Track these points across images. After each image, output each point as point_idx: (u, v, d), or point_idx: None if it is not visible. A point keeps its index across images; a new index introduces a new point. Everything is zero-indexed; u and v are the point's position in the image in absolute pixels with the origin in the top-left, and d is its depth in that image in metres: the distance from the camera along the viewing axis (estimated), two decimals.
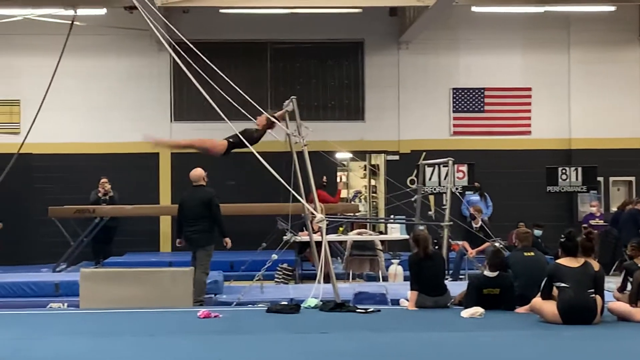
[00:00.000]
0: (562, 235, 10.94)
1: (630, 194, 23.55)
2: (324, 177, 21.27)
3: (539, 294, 10.95)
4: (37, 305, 14.00)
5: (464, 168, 19.10)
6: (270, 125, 13.40)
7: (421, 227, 16.19)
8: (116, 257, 20.50)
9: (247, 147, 12.83)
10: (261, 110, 13.29)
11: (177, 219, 15.13)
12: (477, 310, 11.38)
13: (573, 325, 10.42)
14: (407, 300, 12.52)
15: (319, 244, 13.24)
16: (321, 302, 12.47)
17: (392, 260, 17.75)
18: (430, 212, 20.29)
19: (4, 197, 19.35)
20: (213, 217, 14.44)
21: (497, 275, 12.06)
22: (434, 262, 12.53)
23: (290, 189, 12.79)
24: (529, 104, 23.78)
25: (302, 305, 12.41)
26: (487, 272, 12.16)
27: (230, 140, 13.21)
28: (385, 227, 19.88)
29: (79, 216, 19.87)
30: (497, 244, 15.98)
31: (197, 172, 14.74)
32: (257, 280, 14.49)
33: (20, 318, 12.00)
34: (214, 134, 21.39)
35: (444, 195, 18.14)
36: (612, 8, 22.17)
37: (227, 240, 14.57)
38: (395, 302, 13.13)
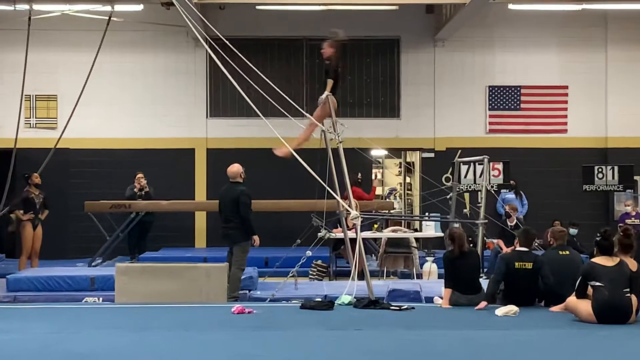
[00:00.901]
0: (598, 234, 10.88)
1: None
2: (359, 174, 21.29)
3: (574, 292, 10.90)
4: (73, 300, 14.11)
5: (500, 166, 19.06)
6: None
7: (456, 225, 16.15)
8: (151, 252, 20.58)
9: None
10: (297, 106, 13.29)
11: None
12: (512, 308, 11.36)
13: (608, 324, 10.38)
14: (442, 297, 12.51)
15: (353, 240, 13.26)
16: (355, 299, 12.49)
17: (427, 258, 17.75)
18: (465, 210, 20.25)
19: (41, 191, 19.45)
20: (240, 215, 14.38)
21: (529, 251, 12.18)
22: (469, 260, 12.52)
23: (325, 186, 12.80)
24: (566, 102, 23.64)
25: (336, 302, 12.43)
26: (518, 248, 12.25)
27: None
28: (420, 225, 19.87)
29: (114, 211, 19.97)
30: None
31: (234, 169, 14.71)
32: (291, 276, 14.52)
33: (56, 312, 12.11)
34: (250, 130, 21.77)
35: (479, 193, 18.07)
36: None
37: (255, 238, 14.44)
38: (429, 299, 13.13)
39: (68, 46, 22.62)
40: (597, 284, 10.52)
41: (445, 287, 12.36)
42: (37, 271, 16.21)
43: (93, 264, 19.29)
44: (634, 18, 23.04)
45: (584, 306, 10.64)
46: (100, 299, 14.36)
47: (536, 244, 16.43)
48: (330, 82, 13.42)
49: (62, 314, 11.87)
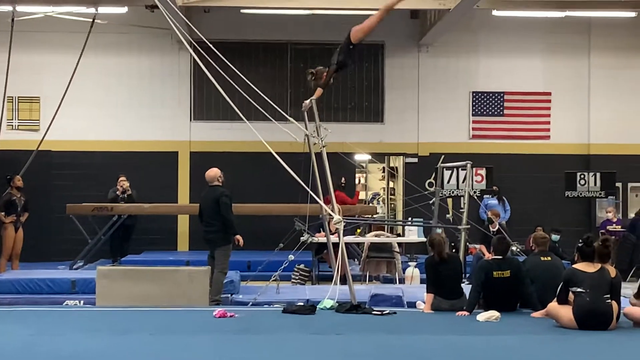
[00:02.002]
0: (580, 241, 10.91)
1: None
2: (343, 179, 21.31)
3: (555, 298, 10.92)
4: (53, 303, 14.03)
5: (483, 172, 19.08)
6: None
7: (438, 231, 16.17)
8: (134, 255, 20.54)
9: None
10: (280, 110, 13.28)
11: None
12: (493, 314, 11.37)
13: (589, 330, 10.40)
14: (424, 302, 12.52)
15: (336, 245, 13.25)
16: (337, 304, 12.48)
17: (409, 263, 17.76)
18: (448, 215, 20.24)
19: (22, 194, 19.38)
20: (222, 216, 14.35)
21: (505, 258, 12.19)
22: (451, 265, 12.53)
23: (309, 190, 12.80)
24: (549, 108, 23.71)
25: (318, 306, 12.42)
26: (494, 256, 12.26)
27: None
28: (403, 230, 19.87)
29: (97, 214, 19.94)
30: (514, 248, 15.96)
31: (212, 173, 14.65)
32: (273, 280, 14.50)
33: (36, 315, 12.04)
34: (234, 133, 21.74)
35: (462, 198, 18.10)
36: (633, 14, 22.08)
37: (239, 237, 14.41)
38: (412, 304, 13.14)
39: (51, 48, 22.55)
40: (578, 289, 10.54)
41: (427, 292, 12.37)
42: (18, 274, 16.13)
43: (75, 266, 19.23)
44: (617, 25, 23.13)
45: (565, 312, 10.66)
46: (82, 302, 14.30)
47: (518, 250, 16.50)
48: (319, 91, 13.47)
49: (42, 317, 11.81)
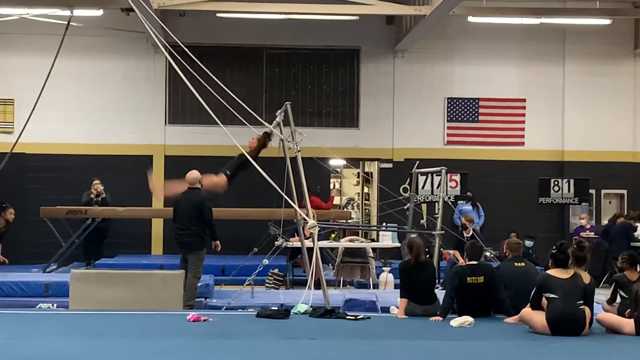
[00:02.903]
0: (554, 247, 10.94)
1: (622, 207, 23.62)
2: (318, 186, 21.22)
3: (529, 304, 10.97)
4: (27, 306, 13.98)
5: (457, 177, 19.13)
6: (264, 141, 13.62)
7: (413, 235, 16.19)
8: (107, 258, 20.49)
9: (248, 169, 13.11)
10: (255, 115, 13.26)
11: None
12: (467, 319, 11.39)
13: (561, 336, 10.42)
14: (398, 307, 12.53)
15: (310, 250, 13.25)
16: (311, 308, 12.46)
17: (383, 268, 17.79)
18: (422, 221, 20.35)
19: None
20: (205, 221, 14.32)
21: (479, 264, 12.23)
22: (425, 270, 12.54)
23: (283, 194, 12.79)
24: (523, 115, 23.82)
25: (292, 310, 12.41)
26: (468, 262, 12.29)
27: (228, 172, 13.44)
28: (377, 235, 19.91)
29: (70, 217, 19.87)
30: (487, 254, 16.01)
31: (193, 175, 14.59)
32: (247, 284, 14.49)
33: (9, 318, 11.97)
34: (209, 138, 21.69)
35: (437, 204, 18.14)
36: (607, 21, 22.22)
37: (217, 243, 14.45)
38: (386, 309, 13.14)
39: (26, 50, 22.48)
40: (552, 295, 10.57)
41: (401, 297, 12.38)
42: None
43: (48, 269, 19.14)
44: (592, 33, 23.26)
45: (539, 317, 10.69)
46: (55, 305, 14.25)
47: (492, 255, 16.55)
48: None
49: (15, 320, 11.74)
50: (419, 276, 12.37)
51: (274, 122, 13.68)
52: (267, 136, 13.92)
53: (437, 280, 14.19)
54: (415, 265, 12.45)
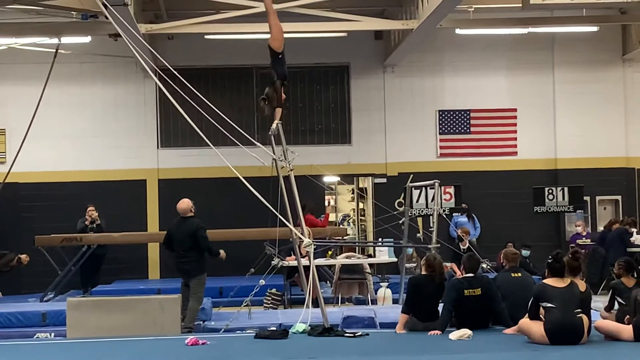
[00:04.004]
0: (550, 257, 10.94)
1: (617, 213, 23.61)
2: (313, 203, 21.16)
3: (526, 314, 10.95)
4: (24, 336, 13.95)
5: (451, 190, 19.10)
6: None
7: (433, 251, 16.01)
8: (104, 285, 20.46)
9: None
10: (247, 135, 13.23)
11: (163, 246, 14.96)
12: (465, 332, 11.37)
13: (560, 345, 10.41)
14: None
15: (307, 268, 13.23)
16: (309, 327, 12.44)
17: (381, 284, 17.74)
18: (418, 235, 20.32)
19: None
20: (202, 248, 14.41)
21: (475, 276, 12.21)
22: (436, 288, 12.43)
23: (277, 214, 12.77)
24: (515, 124, 23.83)
25: (290, 330, 12.39)
26: (465, 275, 12.27)
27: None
28: (374, 250, 19.87)
29: (66, 245, 19.81)
30: (484, 265, 15.98)
31: (184, 205, 14.66)
32: (245, 305, 14.45)
33: (6, 349, 11.91)
34: (202, 159, 21.67)
35: (432, 217, 18.12)
36: (595, 28, 22.29)
37: (221, 251, 14.59)
38: (384, 325, 13.08)
39: (15, 79, 22.48)
40: (549, 305, 10.56)
41: (402, 312, 12.35)
42: None
43: (45, 298, 19.08)
44: (580, 40, 23.29)
45: (537, 327, 10.67)
46: (52, 334, 14.20)
47: (489, 267, 16.52)
48: (279, 110, 13.59)
49: (13, 351, 11.69)
50: (427, 293, 12.32)
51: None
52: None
53: None
54: (430, 282, 12.38)
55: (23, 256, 19.17)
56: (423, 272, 12.68)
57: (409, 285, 12.64)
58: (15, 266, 19.21)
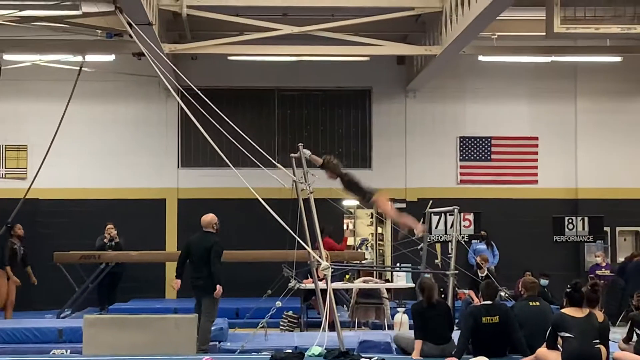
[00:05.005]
0: (569, 286, 10.89)
1: (637, 244, 23.50)
2: (332, 227, 21.13)
3: (544, 343, 10.88)
4: (40, 352, 13.93)
5: (471, 216, 19.04)
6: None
7: (427, 276, 16.11)
8: (121, 303, 20.47)
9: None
10: (268, 157, 13.24)
11: (179, 259, 14.85)
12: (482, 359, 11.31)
13: None
14: None
15: (324, 291, 13.20)
16: (325, 350, 12.42)
17: (398, 309, 17.66)
18: (436, 261, 20.24)
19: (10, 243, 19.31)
20: (211, 263, 14.19)
21: (494, 304, 12.14)
22: (438, 311, 12.46)
23: (296, 236, 12.76)
24: (536, 153, 23.79)
25: (306, 353, 12.36)
26: (483, 302, 12.22)
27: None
28: (392, 275, 19.81)
29: (84, 262, 19.85)
30: (502, 293, 15.92)
31: (208, 218, 14.58)
32: (261, 327, 14.41)
33: None
34: (221, 180, 21.70)
35: (450, 243, 18.05)
36: (618, 58, 22.24)
37: (219, 287, 14.11)
38: (400, 351, 13.03)
39: (38, 96, 22.60)
40: (567, 334, 10.50)
41: (416, 339, 12.30)
42: (4, 323, 16.02)
43: (62, 315, 19.12)
44: (603, 70, 23.27)
45: (554, 357, 10.61)
46: (69, 351, 14.18)
47: (507, 295, 16.45)
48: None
49: None
50: (432, 317, 12.30)
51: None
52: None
53: (453, 321, 14.03)
54: (428, 306, 12.39)
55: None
56: (420, 298, 12.70)
57: (412, 312, 12.67)
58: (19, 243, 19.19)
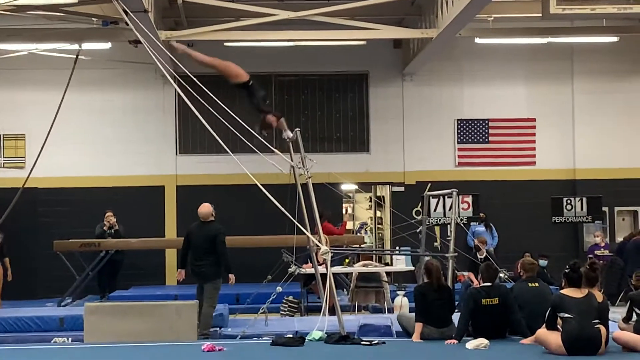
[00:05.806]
0: (567, 266, 10.91)
1: (636, 224, 23.54)
2: (330, 211, 21.16)
3: (544, 324, 10.92)
4: (41, 340, 13.97)
5: (469, 199, 19.07)
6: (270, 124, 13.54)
7: (427, 258, 16.14)
8: (122, 290, 20.51)
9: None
10: (266, 143, 13.23)
11: (181, 250, 15.02)
12: (482, 341, 11.35)
13: (578, 356, 10.38)
14: None
15: (324, 276, 13.24)
16: (326, 335, 12.45)
17: (398, 292, 17.70)
18: (435, 244, 20.31)
19: (9, 232, 19.34)
20: (218, 253, 14.40)
21: (493, 285, 12.19)
22: (441, 294, 12.48)
23: (295, 221, 12.78)
24: (534, 134, 23.79)
25: (306, 337, 12.39)
26: (482, 284, 12.25)
27: (251, 82, 13.27)
28: (391, 259, 19.86)
29: (84, 250, 19.89)
30: (502, 275, 15.95)
31: (206, 209, 14.69)
32: (261, 312, 14.47)
33: (24, 353, 11.98)
34: (220, 166, 21.73)
35: (449, 226, 18.09)
36: (615, 39, 22.22)
37: (232, 276, 14.50)
38: (400, 334, 13.08)
39: (36, 85, 22.58)
40: (566, 315, 10.53)
41: (417, 322, 12.33)
42: (5, 312, 16.05)
43: (62, 303, 19.16)
44: (600, 50, 23.27)
45: (554, 338, 10.64)
46: (70, 339, 14.22)
47: (506, 276, 16.49)
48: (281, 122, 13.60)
49: (31, 355, 11.77)
50: (434, 299, 12.33)
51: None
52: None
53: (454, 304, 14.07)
54: (432, 289, 12.41)
55: None
56: (425, 280, 12.71)
57: (415, 295, 12.67)
58: None
